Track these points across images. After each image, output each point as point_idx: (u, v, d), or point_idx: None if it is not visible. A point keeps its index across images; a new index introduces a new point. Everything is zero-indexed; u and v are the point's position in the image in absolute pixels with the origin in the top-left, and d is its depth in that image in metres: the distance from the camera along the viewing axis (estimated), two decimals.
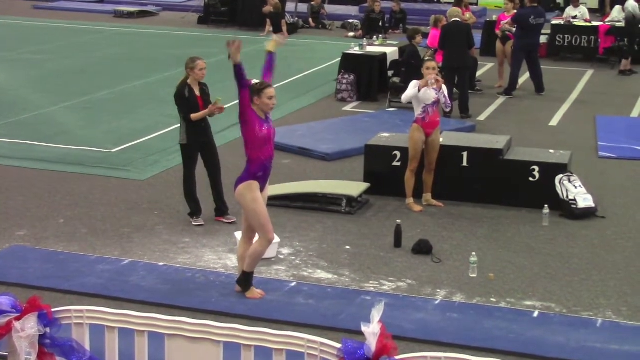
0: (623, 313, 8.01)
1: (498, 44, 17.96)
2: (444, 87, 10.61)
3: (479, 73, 18.25)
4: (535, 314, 7.94)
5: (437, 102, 10.56)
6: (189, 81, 9.96)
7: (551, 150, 11.46)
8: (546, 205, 10.26)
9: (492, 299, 8.26)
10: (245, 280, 8.13)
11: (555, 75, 18.77)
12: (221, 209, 10.24)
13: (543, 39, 20.15)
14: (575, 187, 10.53)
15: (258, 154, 7.84)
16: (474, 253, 8.90)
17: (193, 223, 10.10)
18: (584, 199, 10.47)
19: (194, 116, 9.92)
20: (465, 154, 10.92)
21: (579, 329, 7.62)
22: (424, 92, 10.43)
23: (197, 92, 9.97)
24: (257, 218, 7.90)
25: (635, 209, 10.85)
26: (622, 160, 12.88)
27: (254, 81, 7.93)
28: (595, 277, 8.83)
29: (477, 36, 18.19)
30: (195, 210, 10.19)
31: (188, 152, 10.11)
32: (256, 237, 8.12)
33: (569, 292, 8.46)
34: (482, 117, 15.48)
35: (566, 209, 10.44)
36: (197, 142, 10.04)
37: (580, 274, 8.90)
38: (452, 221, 10.33)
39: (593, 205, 10.53)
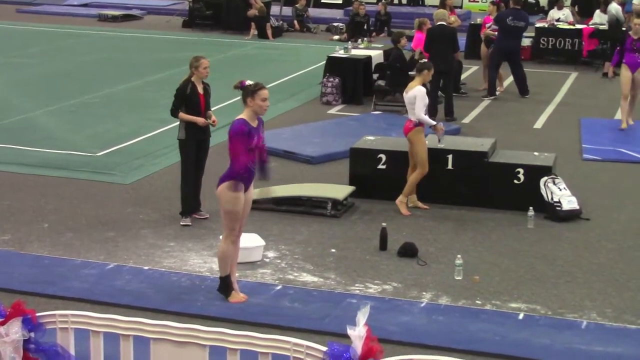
0: (608, 314, 8.04)
1: (482, 47, 18.02)
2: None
3: (463, 76, 18.31)
4: (521, 316, 7.96)
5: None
6: (193, 79, 10.06)
7: (535, 153, 11.49)
8: (531, 208, 10.30)
9: (477, 302, 8.28)
10: (224, 285, 8.11)
11: (539, 78, 18.84)
12: (194, 205, 10.34)
13: (527, 42, 20.26)
14: (560, 190, 10.57)
15: (244, 159, 7.83)
16: (459, 256, 8.92)
17: (181, 223, 10.16)
18: (568, 201, 10.51)
19: (181, 115, 10.02)
20: (450, 156, 10.94)
21: (564, 331, 7.64)
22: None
23: (200, 91, 10.07)
24: (230, 218, 7.92)
25: (619, 211, 10.90)
26: (606, 162, 12.93)
27: (248, 82, 7.90)
28: (579, 279, 8.86)
29: (462, 39, 18.25)
30: (185, 210, 10.23)
31: (185, 148, 10.19)
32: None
33: (554, 294, 8.48)
34: (466, 120, 15.52)
35: (551, 211, 10.48)
36: (194, 139, 10.12)
37: (565, 276, 8.93)
38: (437, 224, 10.35)
39: (577, 207, 10.57)
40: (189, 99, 10.01)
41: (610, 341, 7.47)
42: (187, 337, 5.61)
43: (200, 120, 10.01)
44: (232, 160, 7.88)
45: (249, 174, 7.91)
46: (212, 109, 10.26)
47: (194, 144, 10.14)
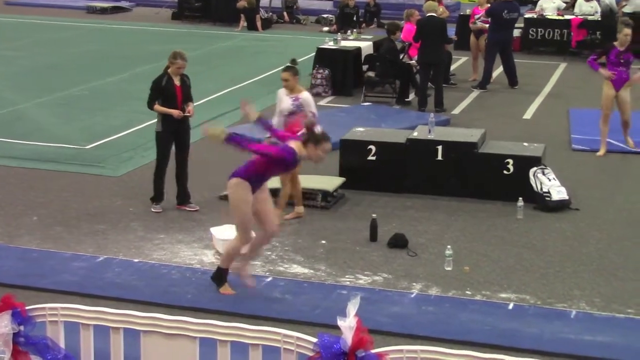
0: (596, 304, 8.07)
1: (472, 38, 18.02)
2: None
3: (453, 67, 18.31)
4: (510, 306, 7.99)
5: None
6: (169, 71, 10.08)
7: (525, 144, 11.51)
8: (520, 198, 10.31)
9: (467, 292, 8.30)
10: (219, 276, 8.12)
11: (528, 68, 18.85)
12: (182, 198, 10.36)
13: (516, 33, 20.25)
14: (549, 180, 10.59)
15: (263, 169, 7.77)
16: (449, 246, 8.94)
17: (152, 209, 10.25)
18: (557, 192, 10.54)
19: (156, 107, 10.11)
20: (440, 147, 10.95)
21: (553, 321, 7.67)
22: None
23: (177, 82, 10.09)
24: (241, 217, 7.87)
25: (608, 201, 10.93)
26: (595, 152, 12.94)
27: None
28: (569, 269, 8.89)
29: (452, 30, 18.24)
30: (157, 197, 10.33)
31: (161, 139, 10.26)
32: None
33: (543, 284, 8.51)
34: (456, 111, 15.53)
35: (540, 202, 10.50)
36: (171, 132, 10.16)
37: (555, 266, 8.96)
38: (427, 215, 10.37)
39: (567, 197, 10.59)
40: (165, 91, 10.05)
41: (599, 330, 7.50)
42: (176, 329, 5.60)
43: (174, 112, 10.01)
44: (255, 162, 7.77)
45: (260, 183, 7.86)
46: (198, 103, 10.29)
47: (170, 136, 10.20)
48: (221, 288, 8.08)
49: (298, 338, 5.53)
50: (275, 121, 9.93)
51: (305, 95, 10.09)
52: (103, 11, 27.55)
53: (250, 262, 8.36)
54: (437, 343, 6.76)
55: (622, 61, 12.59)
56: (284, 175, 9.73)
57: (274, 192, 9.84)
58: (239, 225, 7.94)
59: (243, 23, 24.44)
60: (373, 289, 8.32)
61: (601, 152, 12.81)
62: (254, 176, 7.77)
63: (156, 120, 10.32)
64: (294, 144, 7.71)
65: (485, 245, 9.47)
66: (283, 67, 10.07)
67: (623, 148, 13.03)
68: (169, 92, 10.04)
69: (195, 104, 10.54)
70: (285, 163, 7.71)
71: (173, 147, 10.34)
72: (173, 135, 10.21)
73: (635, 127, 13.21)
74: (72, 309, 5.88)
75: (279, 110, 10.10)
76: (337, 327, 5.35)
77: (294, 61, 10.29)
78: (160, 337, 5.63)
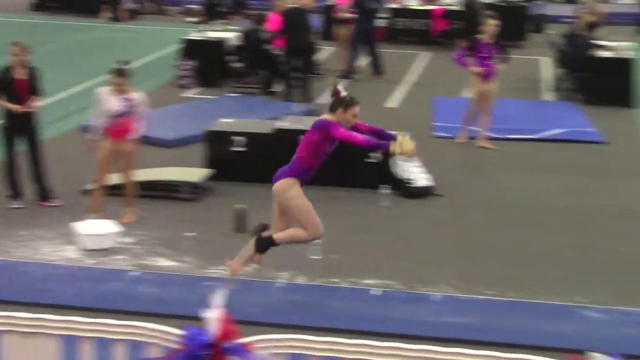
0: (459, 287, 8.29)
1: (337, 28, 18.18)
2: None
3: (319, 57, 18.41)
4: (376, 291, 8.12)
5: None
6: (10, 62, 9.85)
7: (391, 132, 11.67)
8: (385, 185, 10.48)
9: (334, 279, 8.39)
10: (263, 244, 7.74)
11: (393, 58, 19.14)
12: (43, 194, 10.14)
13: (382, 23, 20.55)
14: (412, 167, 10.79)
15: (312, 162, 7.65)
16: None
17: (12, 206, 9.99)
18: (421, 178, 10.76)
19: None
20: (302, 137, 10.96)
21: (418, 304, 7.86)
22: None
23: (20, 75, 9.82)
24: (303, 213, 7.66)
25: (470, 186, 11.24)
26: (456, 139, 13.26)
27: (343, 93, 7.64)
28: (433, 254, 9.09)
29: (316, 20, 18.36)
30: (14, 193, 10.07)
31: (5, 135, 10.01)
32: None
33: (408, 269, 8.68)
34: (323, 101, 15.63)
35: (404, 189, 10.69)
36: (15, 126, 9.91)
37: (419, 251, 9.15)
38: None
39: (430, 184, 10.83)
40: (5, 84, 9.79)
41: (462, 312, 7.71)
42: (34, 327, 5.45)
43: (13, 107, 9.76)
44: (300, 158, 7.66)
45: (307, 177, 7.72)
46: (56, 97, 10.02)
47: (15, 131, 9.94)
48: (242, 258, 7.77)
49: (164, 332, 5.47)
50: (99, 122, 9.60)
51: (139, 95, 9.83)
52: None
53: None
54: (305, 331, 6.78)
55: (490, 54, 12.74)
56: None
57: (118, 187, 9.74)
58: (306, 220, 7.68)
59: (106, 14, 23.96)
60: (240, 279, 8.29)
61: (462, 139, 13.10)
62: (302, 171, 7.65)
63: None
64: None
65: (351, 232, 9.59)
66: (113, 69, 9.74)
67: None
68: (7, 85, 9.76)
69: (53, 98, 10.26)
70: (329, 134, 7.46)
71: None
72: (19, 131, 9.92)
73: (500, 115, 13.58)
74: None
75: (103, 110, 9.61)
76: (203, 319, 5.32)
77: (124, 62, 9.97)
78: (18, 336, 5.47)
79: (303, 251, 8.97)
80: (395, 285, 8.30)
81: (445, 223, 9.97)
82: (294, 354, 5.47)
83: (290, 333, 6.21)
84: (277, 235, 7.79)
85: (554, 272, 8.76)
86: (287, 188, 7.62)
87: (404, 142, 7.46)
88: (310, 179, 7.77)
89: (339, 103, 7.60)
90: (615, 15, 24.01)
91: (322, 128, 7.52)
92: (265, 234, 7.81)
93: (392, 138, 7.63)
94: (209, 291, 5.53)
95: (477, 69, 12.81)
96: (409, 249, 9.19)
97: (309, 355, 5.44)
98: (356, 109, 7.63)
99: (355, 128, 7.68)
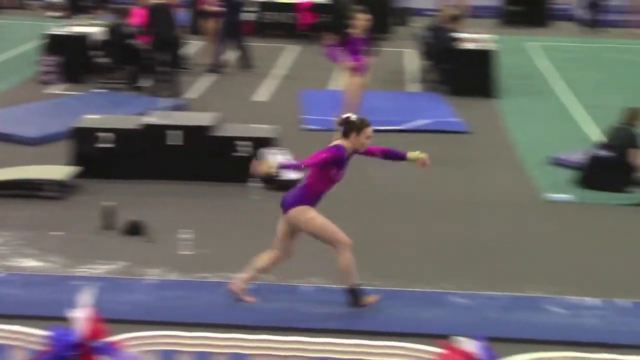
0: (330, 278, 8.37)
1: (204, 22, 18.07)
2: None
3: (186, 51, 18.27)
4: (249, 285, 8.12)
5: None
6: None
7: (258, 125, 11.73)
8: (254, 179, 10.48)
9: (205, 275, 8.36)
10: (354, 295, 7.68)
11: (262, 52, 19.16)
12: None
13: (250, 17, 20.54)
14: (282, 159, 10.82)
15: (320, 186, 7.57)
16: (185, 230, 8.95)
17: None
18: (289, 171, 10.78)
19: None
20: (171, 132, 10.92)
21: (289, 295, 7.94)
22: None
23: None
24: (324, 232, 7.60)
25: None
26: (324, 131, 13.36)
27: (353, 117, 7.56)
28: (305, 246, 9.13)
29: (183, 15, 18.21)
30: None
31: None
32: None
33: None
34: (193, 95, 15.55)
35: (273, 182, 10.72)
36: None
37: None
38: (163, 200, 10.32)
39: (299, 176, 10.86)
40: None
41: (331, 302, 7.79)
42: None
43: None
44: (309, 183, 7.58)
45: (318, 201, 7.63)
46: None
47: None
48: (365, 301, 7.69)
49: (30, 334, 5.35)
50: None
51: None
52: None
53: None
54: (176, 327, 6.72)
55: (361, 48, 12.60)
56: None
57: None
58: (330, 239, 7.62)
59: None
60: (110, 277, 8.19)
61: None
62: (312, 197, 7.59)
63: None
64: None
65: (223, 227, 9.58)
66: None
67: None
68: None
69: None
70: (339, 160, 7.49)
71: None
72: None
73: (366, 107, 13.73)
74: None
75: None
76: (71, 319, 5.23)
77: None
78: None
79: (175, 247, 8.91)
80: (268, 277, 8.31)
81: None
82: (165, 350, 5.45)
83: (161, 330, 6.17)
84: (346, 282, 7.73)
85: (418, 261, 8.97)
86: (302, 213, 7.62)
87: (419, 156, 7.74)
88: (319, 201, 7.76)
89: (352, 128, 7.58)
90: (477, 8, 24.77)
91: (324, 156, 7.56)
92: (348, 286, 7.71)
93: (403, 157, 7.82)
94: (77, 290, 5.45)
95: (349, 63, 12.85)
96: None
97: (180, 351, 5.42)
98: (369, 130, 7.62)
99: (367, 151, 7.73)
